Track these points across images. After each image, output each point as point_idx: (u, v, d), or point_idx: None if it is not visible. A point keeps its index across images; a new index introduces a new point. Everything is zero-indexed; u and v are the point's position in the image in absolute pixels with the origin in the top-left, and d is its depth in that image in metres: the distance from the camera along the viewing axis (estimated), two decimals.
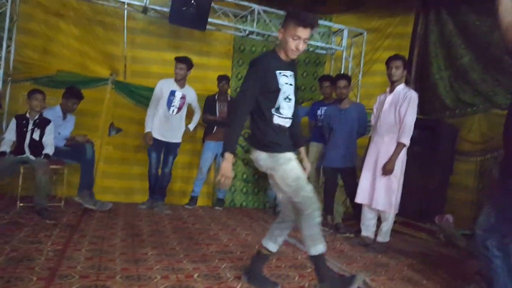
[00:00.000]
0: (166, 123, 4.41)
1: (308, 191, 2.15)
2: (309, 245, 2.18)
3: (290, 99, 2.28)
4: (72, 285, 2.06)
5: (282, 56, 2.25)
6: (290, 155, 2.23)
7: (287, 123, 2.29)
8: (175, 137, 4.50)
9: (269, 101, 2.23)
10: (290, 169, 2.18)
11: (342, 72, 5.33)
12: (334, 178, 4.16)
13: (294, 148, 2.33)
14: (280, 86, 2.22)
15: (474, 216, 4.29)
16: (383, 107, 3.48)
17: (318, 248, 2.17)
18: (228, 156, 2.11)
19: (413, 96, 3.35)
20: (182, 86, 4.46)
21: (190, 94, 4.54)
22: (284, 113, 2.25)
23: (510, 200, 1.96)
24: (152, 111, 4.42)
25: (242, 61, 5.64)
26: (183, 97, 4.45)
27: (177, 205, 4.99)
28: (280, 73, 2.24)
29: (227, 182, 2.11)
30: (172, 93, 4.40)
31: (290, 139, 2.34)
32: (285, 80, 2.25)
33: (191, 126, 4.73)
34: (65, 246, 2.75)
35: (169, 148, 4.51)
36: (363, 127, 4.14)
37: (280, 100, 2.24)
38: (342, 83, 4.07)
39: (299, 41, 2.15)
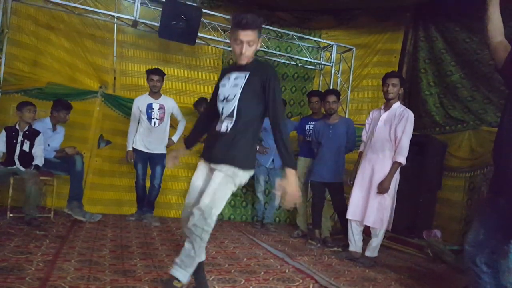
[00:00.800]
0: (149, 135, 4.47)
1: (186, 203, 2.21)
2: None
3: (228, 100, 2.15)
4: None
5: (240, 61, 2.17)
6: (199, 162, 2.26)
7: (218, 127, 2.18)
8: (158, 148, 4.51)
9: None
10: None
11: (331, 87, 5.43)
12: (322, 193, 4.21)
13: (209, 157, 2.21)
14: (219, 88, 2.21)
15: (462, 232, 4.36)
16: (378, 124, 3.50)
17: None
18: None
19: (410, 116, 3.37)
20: (157, 97, 4.51)
21: (168, 103, 4.57)
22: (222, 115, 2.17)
23: (499, 217, 1.96)
24: (133, 129, 4.50)
25: None
26: (161, 108, 4.49)
27: (166, 217, 5.02)
28: (225, 76, 2.23)
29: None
30: (150, 106, 4.46)
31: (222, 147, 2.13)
32: (225, 82, 2.20)
33: (175, 138, 4.71)
34: (55, 257, 2.77)
35: (154, 160, 4.53)
36: (352, 142, 4.17)
37: (218, 102, 2.20)
38: (332, 98, 4.11)
39: (241, 45, 2.08)
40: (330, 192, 4.22)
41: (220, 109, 2.19)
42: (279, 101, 2.13)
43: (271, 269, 3.05)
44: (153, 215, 4.63)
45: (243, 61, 2.13)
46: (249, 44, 2.08)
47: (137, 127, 4.50)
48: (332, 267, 3.35)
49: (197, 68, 5.55)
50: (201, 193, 2.12)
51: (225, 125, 2.15)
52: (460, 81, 4.91)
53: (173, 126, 4.82)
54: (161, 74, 4.45)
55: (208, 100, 2.38)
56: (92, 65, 5.13)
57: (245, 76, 2.15)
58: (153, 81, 4.42)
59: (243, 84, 2.13)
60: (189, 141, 2.48)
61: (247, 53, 2.09)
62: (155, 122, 4.47)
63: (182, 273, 2.08)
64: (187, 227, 2.07)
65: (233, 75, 2.19)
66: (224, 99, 2.17)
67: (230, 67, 2.37)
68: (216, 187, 2.08)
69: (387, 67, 5.40)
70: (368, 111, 5.68)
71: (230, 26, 2.27)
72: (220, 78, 2.27)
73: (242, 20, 2.03)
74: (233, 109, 2.13)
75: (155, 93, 4.49)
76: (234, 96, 2.14)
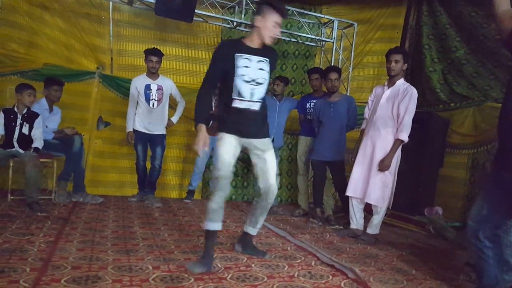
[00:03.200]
0: (148, 116, 4.43)
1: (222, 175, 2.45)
2: None
3: (258, 83, 2.44)
4: (65, 275, 2.09)
5: (249, 42, 2.46)
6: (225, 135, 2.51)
7: (249, 106, 2.46)
8: (158, 129, 4.49)
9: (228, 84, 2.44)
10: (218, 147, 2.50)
11: (332, 64, 5.35)
12: (323, 171, 4.18)
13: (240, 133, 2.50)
14: (236, 69, 2.38)
15: (464, 209, 4.36)
16: (380, 101, 3.44)
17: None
18: (199, 126, 2.38)
19: (414, 93, 3.30)
20: (155, 78, 4.45)
21: (166, 83, 4.51)
22: (244, 96, 2.43)
23: (503, 192, 1.96)
24: (132, 110, 4.47)
25: None
26: (159, 89, 4.44)
27: (167, 198, 5.03)
28: (239, 56, 2.40)
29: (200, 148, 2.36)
30: (148, 87, 4.39)
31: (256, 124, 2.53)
32: (246, 63, 2.40)
33: (174, 118, 4.67)
34: (57, 238, 2.78)
35: (154, 140, 4.50)
36: (353, 120, 4.11)
37: (242, 82, 2.41)
38: (333, 75, 4.02)
39: (278, 28, 2.40)
40: (331, 171, 4.20)
41: (247, 90, 2.42)
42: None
43: (273, 247, 3.06)
44: (155, 196, 4.63)
45: (271, 42, 2.46)
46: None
47: (136, 108, 4.44)
48: (333, 244, 3.36)
49: (195, 47, 5.45)
50: (230, 166, 2.49)
51: (258, 105, 2.48)
52: (465, 57, 4.80)
53: (172, 106, 4.76)
54: (160, 54, 4.38)
55: (209, 76, 2.46)
56: (88, 45, 5.03)
57: (268, 61, 2.49)
58: (152, 62, 4.35)
59: (269, 70, 2.49)
60: (205, 119, 2.57)
61: (278, 35, 2.48)
62: (153, 104, 4.42)
63: (257, 230, 2.81)
64: (267, 201, 2.64)
65: (255, 58, 2.43)
66: (252, 80, 2.42)
67: (238, 46, 2.45)
68: (274, 165, 2.64)
69: (389, 43, 5.28)
70: (370, 89, 5.61)
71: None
72: (229, 56, 2.39)
73: (284, 9, 2.41)
74: (264, 95, 2.51)
75: (153, 73, 4.42)
76: (264, 80, 2.47)
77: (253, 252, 2.79)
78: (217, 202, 2.43)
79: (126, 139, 4.52)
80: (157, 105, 4.44)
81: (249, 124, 2.49)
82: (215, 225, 2.45)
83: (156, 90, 4.42)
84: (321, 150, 4.07)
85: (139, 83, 4.41)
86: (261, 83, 2.46)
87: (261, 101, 2.50)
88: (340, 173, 4.07)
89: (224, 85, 2.49)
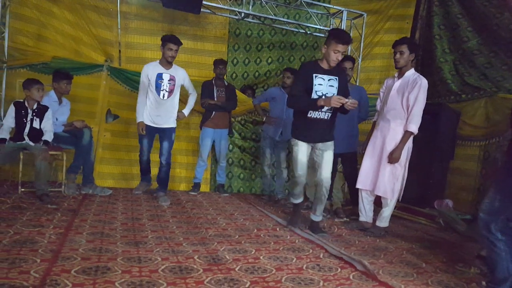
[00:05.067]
0: (157, 108, 4.17)
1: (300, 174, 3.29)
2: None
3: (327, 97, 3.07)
4: (75, 266, 2.11)
5: (323, 65, 3.15)
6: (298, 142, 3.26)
7: (324, 115, 3.17)
8: (167, 122, 4.24)
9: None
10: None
11: None
12: (334, 164, 4.10)
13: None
14: (313, 86, 3.10)
15: (475, 201, 4.29)
16: (391, 93, 3.40)
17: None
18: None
19: (423, 83, 3.25)
20: (169, 67, 4.16)
21: (179, 74, 4.22)
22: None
23: None
24: (143, 99, 4.18)
25: (238, 45, 5.60)
26: (171, 79, 4.16)
27: (176, 190, 5.04)
28: (316, 76, 3.11)
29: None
30: (159, 77, 4.11)
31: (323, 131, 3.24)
32: (320, 82, 3.11)
33: (186, 111, 4.44)
34: (66, 230, 2.80)
35: (163, 134, 4.26)
36: (364, 111, 4.04)
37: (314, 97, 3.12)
38: (348, 64, 3.95)
39: (338, 53, 3.04)
40: (342, 163, 4.15)
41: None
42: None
43: (281, 240, 3.05)
44: (166, 194, 4.38)
45: (334, 64, 3.11)
46: (342, 54, 3.07)
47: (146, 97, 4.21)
48: (342, 237, 3.35)
49: (202, 39, 5.43)
50: (305, 165, 3.26)
51: (327, 114, 3.18)
52: (478, 47, 4.69)
53: (181, 100, 4.51)
54: (179, 43, 4.11)
55: (298, 88, 3.16)
56: (96, 38, 5.04)
57: (337, 79, 3.18)
58: (171, 51, 4.04)
59: (337, 86, 3.16)
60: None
61: (339, 59, 3.09)
62: (164, 95, 4.14)
63: (320, 217, 3.41)
64: (323, 193, 3.27)
65: (326, 77, 3.14)
66: (322, 95, 3.10)
67: (317, 68, 3.16)
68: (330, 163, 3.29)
69: (399, 33, 5.21)
70: (379, 80, 5.56)
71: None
72: (310, 76, 3.11)
73: (345, 38, 3.02)
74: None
75: (168, 63, 4.13)
76: (333, 95, 3.03)
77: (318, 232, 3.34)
78: (298, 189, 3.38)
79: (137, 129, 4.22)
80: (168, 97, 4.16)
81: (317, 131, 3.21)
82: (298, 200, 3.48)
83: (168, 80, 4.14)
84: (334, 142, 3.99)
85: (151, 71, 4.11)
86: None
87: (330, 111, 3.18)
88: (352, 165, 4.02)
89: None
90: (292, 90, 3.24)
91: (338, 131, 3.93)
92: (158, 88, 4.13)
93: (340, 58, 3.06)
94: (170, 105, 4.25)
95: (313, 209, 3.40)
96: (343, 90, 3.16)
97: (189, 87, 4.42)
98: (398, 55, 3.32)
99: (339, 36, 3.00)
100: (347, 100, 2.96)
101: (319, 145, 3.23)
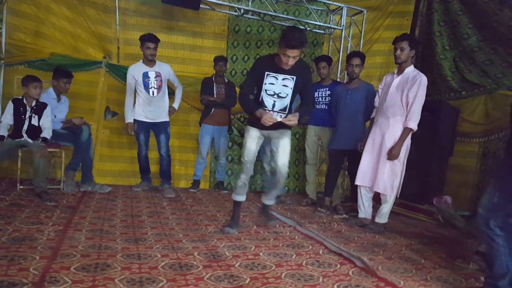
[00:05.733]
0: (149, 105, 4.32)
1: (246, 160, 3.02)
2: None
3: (280, 97, 2.87)
4: (74, 263, 2.10)
5: (280, 62, 2.79)
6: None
7: (274, 115, 2.88)
8: (161, 117, 4.39)
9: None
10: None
11: (341, 52, 5.23)
12: (340, 161, 4.09)
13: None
14: (263, 85, 2.85)
15: (474, 198, 4.31)
16: (390, 89, 3.39)
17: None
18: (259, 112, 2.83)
19: (423, 80, 3.24)
20: (153, 65, 4.30)
21: (164, 69, 4.37)
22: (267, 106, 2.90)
23: None
24: (129, 100, 4.31)
25: (237, 42, 5.57)
26: (158, 75, 4.30)
27: (175, 187, 5.03)
28: (268, 74, 2.83)
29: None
30: (145, 75, 4.26)
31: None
32: (272, 81, 2.84)
33: (176, 105, 4.59)
34: (66, 227, 2.79)
35: (158, 128, 4.41)
36: (370, 109, 3.95)
37: (266, 95, 2.88)
38: (356, 60, 3.92)
39: (288, 58, 2.69)
40: (348, 160, 4.12)
41: (269, 101, 2.89)
42: (312, 92, 3.22)
43: (280, 236, 3.06)
44: (171, 186, 4.56)
45: (287, 67, 2.78)
46: (294, 58, 2.71)
47: (135, 98, 4.33)
48: (341, 233, 3.35)
49: (201, 35, 5.40)
50: (253, 152, 3.00)
51: (279, 115, 2.88)
52: (478, 44, 4.68)
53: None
54: (157, 40, 4.24)
55: (249, 85, 2.93)
56: (95, 34, 5.01)
57: (293, 79, 2.84)
58: (150, 49, 4.19)
59: (292, 87, 2.86)
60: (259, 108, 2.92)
61: (292, 63, 2.74)
62: (153, 92, 4.29)
63: (272, 201, 3.33)
64: (279, 180, 3.05)
65: (281, 76, 2.84)
66: (274, 94, 2.87)
67: (271, 65, 2.84)
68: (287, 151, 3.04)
69: (399, 30, 5.16)
70: (379, 77, 5.54)
71: None
72: (261, 73, 2.84)
73: (292, 41, 2.60)
74: (286, 106, 2.91)
75: (150, 61, 4.28)
76: (286, 96, 2.87)
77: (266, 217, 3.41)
78: (242, 180, 3.04)
79: (126, 130, 4.37)
80: (157, 93, 4.32)
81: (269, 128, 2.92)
82: (240, 197, 3.12)
83: (155, 77, 4.28)
84: (340, 139, 3.96)
85: (136, 71, 4.26)
86: (281, 97, 2.88)
87: (283, 113, 2.91)
88: (357, 162, 4.01)
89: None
90: (243, 86, 3.06)
91: (344, 127, 3.95)
92: (146, 86, 4.29)
93: (291, 63, 2.72)
94: (160, 100, 4.39)
95: (267, 194, 3.29)
96: (301, 91, 2.93)
97: (175, 81, 4.57)
98: (398, 51, 3.32)
99: (285, 38, 2.61)
100: (279, 119, 2.79)
101: (275, 133, 2.98)
